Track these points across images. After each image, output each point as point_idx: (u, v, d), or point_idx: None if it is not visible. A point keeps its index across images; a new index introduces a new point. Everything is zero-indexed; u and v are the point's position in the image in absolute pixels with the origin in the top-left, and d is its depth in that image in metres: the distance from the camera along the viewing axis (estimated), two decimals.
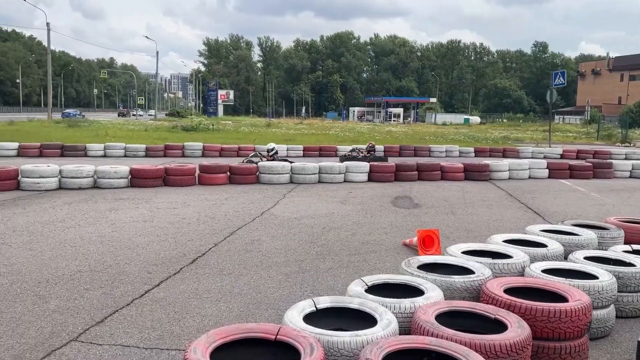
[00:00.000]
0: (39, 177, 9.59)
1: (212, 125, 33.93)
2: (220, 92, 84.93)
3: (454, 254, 4.29)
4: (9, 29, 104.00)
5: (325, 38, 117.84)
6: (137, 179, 10.35)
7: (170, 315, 3.84)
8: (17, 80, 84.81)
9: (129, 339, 3.41)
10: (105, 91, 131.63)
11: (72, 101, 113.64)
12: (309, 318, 2.99)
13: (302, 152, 20.06)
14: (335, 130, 36.52)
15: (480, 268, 3.86)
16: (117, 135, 23.84)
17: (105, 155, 17.41)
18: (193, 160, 15.56)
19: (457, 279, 3.60)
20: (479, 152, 21.61)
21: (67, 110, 67.75)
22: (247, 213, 7.96)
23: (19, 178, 9.63)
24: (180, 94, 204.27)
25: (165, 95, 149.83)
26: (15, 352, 3.16)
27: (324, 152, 20.05)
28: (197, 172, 11.21)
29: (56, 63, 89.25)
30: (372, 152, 17.04)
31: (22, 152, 16.81)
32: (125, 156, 17.53)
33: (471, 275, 3.70)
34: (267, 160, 13.37)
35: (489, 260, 4.09)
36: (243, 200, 9.14)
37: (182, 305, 4.06)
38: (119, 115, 76.04)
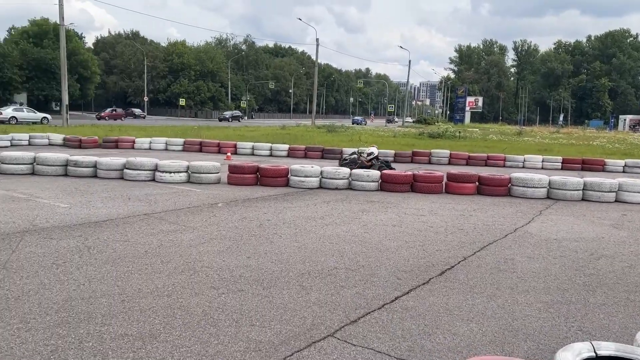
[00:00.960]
0: (304, 177, 10.70)
1: (459, 132, 33.34)
2: (469, 99, 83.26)
3: None
4: (286, 46, 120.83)
5: (592, 38, 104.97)
6: (387, 184, 10.71)
7: (420, 328, 3.74)
8: (290, 90, 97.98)
9: (381, 345, 3.42)
10: (360, 99, 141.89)
11: (331, 108, 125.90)
12: None
13: (560, 164, 18.11)
14: (600, 140, 32.09)
15: None
16: (368, 141, 25.29)
17: None
18: (439, 168, 15.45)
19: None
20: None
21: (357, 118, 78.45)
22: (498, 228, 7.44)
23: (288, 176, 10.92)
24: (427, 101, 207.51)
25: (414, 102, 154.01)
26: (283, 338, 3.46)
27: (587, 166, 17.73)
28: (445, 180, 11.03)
29: (321, 74, 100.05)
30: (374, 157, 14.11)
31: (290, 153, 19.18)
32: None
33: None
34: (366, 165, 12.36)
35: None
36: (493, 214, 8.61)
37: (432, 318, 3.93)
38: (387, 122, 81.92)
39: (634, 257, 6.01)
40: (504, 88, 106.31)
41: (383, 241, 6.32)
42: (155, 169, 10.78)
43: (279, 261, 5.24)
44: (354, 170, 11.01)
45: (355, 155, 14.46)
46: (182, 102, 70.76)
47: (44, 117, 37.91)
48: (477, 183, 10.91)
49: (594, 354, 2.62)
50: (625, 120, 72.74)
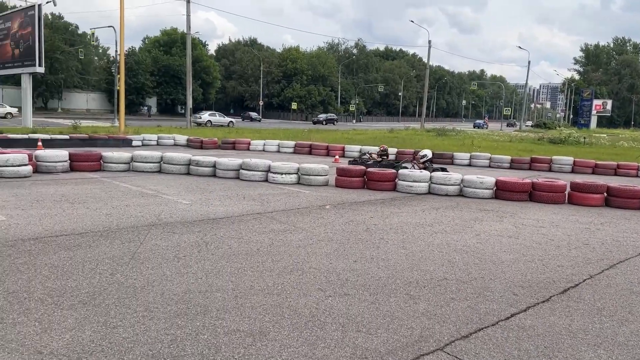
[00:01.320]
0: (412, 181, 10.48)
1: (584, 138, 30.80)
2: (596, 102, 76.88)
3: None
4: (397, 49, 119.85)
5: None
6: (502, 191, 10.14)
7: (540, 349, 3.45)
8: (399, 94, 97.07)
9: None
10: (473, 102, 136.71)
11: (441, 111, 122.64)
12: None
13: None
14: None
15: None
16: (482, 146, 24.23)
17: (470, 165, 17.89)
18: (561, 176, 14.35)
19: None
20: None
21: (478, 121, 77.60)
22: (630, 244, 6.71)
23: (396, 180, 10.76)
24: (547, 105, 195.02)
25: (532, 105, 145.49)
26: (389, 347, 3.37)
27: None
28: (568, 189, 10.20)
29: (432, 77, 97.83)
30: (385, 157, 14.73)
31: (398, 157, 18.84)
32: (489, 167, 17.61)
33: None
34: (419, 168, 12.12)
35: None
36: (624, 228, 7.79)
37: (552, 340, 3.61)
38: (507, 126, 78.34)
39: None
40: (638, 90, 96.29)
41: (498, 253, 5.97)
42: (268, 170, 11.20)
43: (386, 267, 5.16)
44: (466, 177, 10.57)
45: (367, 156, 15.13)
46: (294, 105, 73.12)
47: (230, 122, 46.73)
48: (605, 194, 9.96)
49: None
50: None
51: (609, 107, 79.09)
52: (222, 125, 42.70)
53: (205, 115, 46.26)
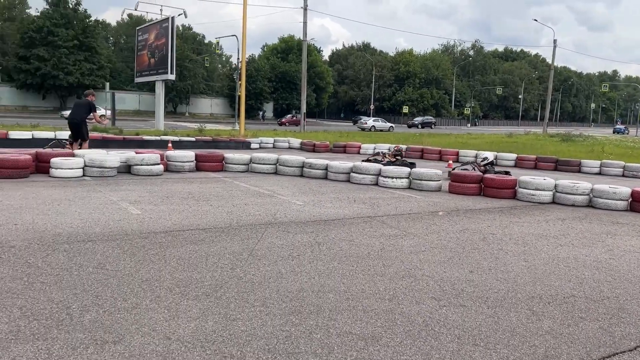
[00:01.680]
0: (535, 189, 9.82)
1: None
2: None
3: None
4: (518, 49, 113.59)
5: None
6: (639, 204, 9.14)
7: None
8: (519, 96, 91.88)
9: None
10: (604, 105, 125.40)
11: (567, 115, 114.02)
12: None
13: None
14: None
15: None
16: (613, 153, 22.10)
17: (600, 173, 16.40)
18: None
19: None
20: None
21: (618, 127, 72.84)
22: None
23: (516, 188, 10.15)
24: None
25: None
26: None
27: None
28: None
29: (556, 78, 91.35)
30: (399, 157, 14.60)
31: (518, 164, 17.88)
32: (623, 176, 16.01)
33: None
34: (480, 171, 11.63)
35: None
36: None
37: None
38: None
39: None
40: None
41: (634, 271, 5.38)
42: (379, 174, 11.14)
43: (505, 280, 4.86)
44: (596, 186, 9.68)
45: (380, 156, 14.87)
46: (405, 109, 72.31)
47: (391, 126, 52.19)
48: None
49: None
50: None
51: None
52: (382, 130, 46.66)
53: (370, 122, 50.56)
